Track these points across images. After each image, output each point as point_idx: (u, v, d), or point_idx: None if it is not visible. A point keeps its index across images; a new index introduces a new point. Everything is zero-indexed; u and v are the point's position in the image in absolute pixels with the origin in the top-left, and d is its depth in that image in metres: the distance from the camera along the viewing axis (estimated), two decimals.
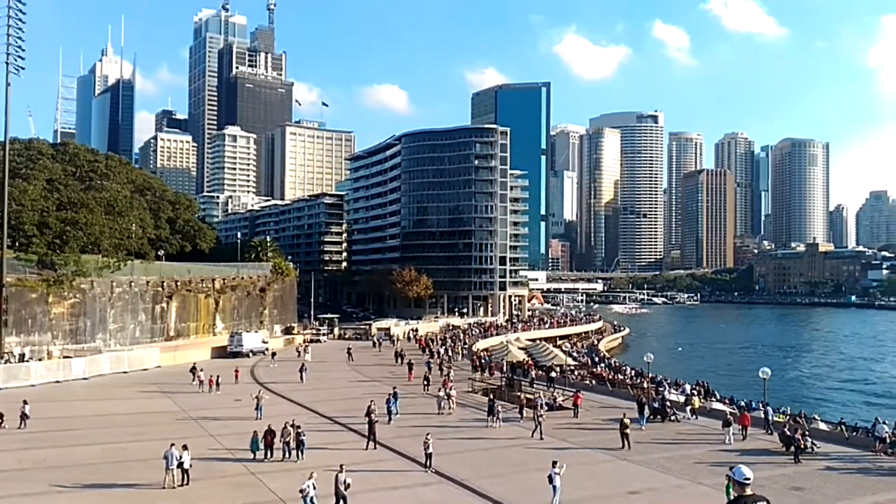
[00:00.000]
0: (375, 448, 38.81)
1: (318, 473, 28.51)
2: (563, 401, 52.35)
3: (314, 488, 27.43)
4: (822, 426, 53.09)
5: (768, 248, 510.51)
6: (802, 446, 37.80)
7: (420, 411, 50.05)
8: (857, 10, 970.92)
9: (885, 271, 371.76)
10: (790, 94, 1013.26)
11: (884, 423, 42.60)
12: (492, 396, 48.57)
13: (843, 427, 51.60)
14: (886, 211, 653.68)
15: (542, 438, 41.15)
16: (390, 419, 45.00)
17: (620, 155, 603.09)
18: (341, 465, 29.01)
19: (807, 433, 40.26)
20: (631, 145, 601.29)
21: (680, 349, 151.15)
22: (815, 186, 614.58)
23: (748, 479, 10.20)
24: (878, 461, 37.33)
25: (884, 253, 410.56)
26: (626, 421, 40.55)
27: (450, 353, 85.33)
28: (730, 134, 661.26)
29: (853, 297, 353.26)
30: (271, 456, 35.85)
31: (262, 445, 35.95)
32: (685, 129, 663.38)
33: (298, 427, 36.46)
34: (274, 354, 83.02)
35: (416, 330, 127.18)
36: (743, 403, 64.76)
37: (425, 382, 59.68)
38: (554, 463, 29.41)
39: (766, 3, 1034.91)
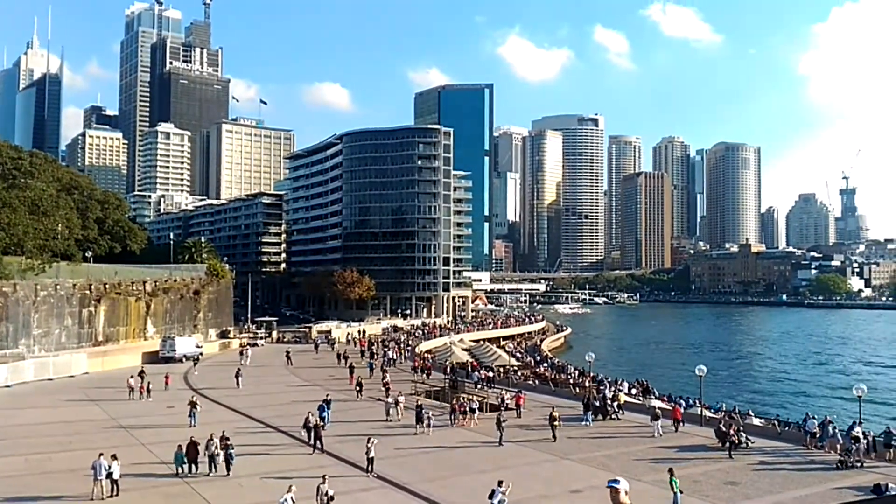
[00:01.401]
0: (322, 452, 38.29)
1: (256, 482, 28.33)
2: (508, 400, 52.41)
3: (293, 502, 26.80)
4: (756, 422, 54.56)
5: (704, 248, 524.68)
6: (737, 441, 39.23)
7: (363, 417, 49.31)
8: (788, 18, 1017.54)
9: (813, 271, 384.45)
10: (724, 100, 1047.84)
11: (813, 418, 44.83)
12: (418, 402, 47.92)
13: (776, 422, 53.28)
14: (815, 213, 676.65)
15: (500, 444, 40.78)
16: (323, 427, 43.48)
17: (562, 157, 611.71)
18: (324, 476, 28.71)
19: (741, 429, 41.66)
20: (572, 147, 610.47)
21: (622, 349, 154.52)
22: (747, 189, 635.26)
23: (612, 484, 10.31)
24: (808, 455, 38.82)
25: (812, 253, 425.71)
26: (556, 414, 43.03)
27: (390, 356, 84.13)
28: (667, 138, 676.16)
29: (784, 297, 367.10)
30: (196, 470, 34.07)
31: (186, 460, 33.99)
32: (625, 132, 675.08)
33: (227, 439, 34.70)
34: (196, 361, 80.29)
35: (364, 332, 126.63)
36: (681, 400, 66.14)
37: (358, 388, 58.55)
38: (500, 482, 28.59)
39: (703, 10, 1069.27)
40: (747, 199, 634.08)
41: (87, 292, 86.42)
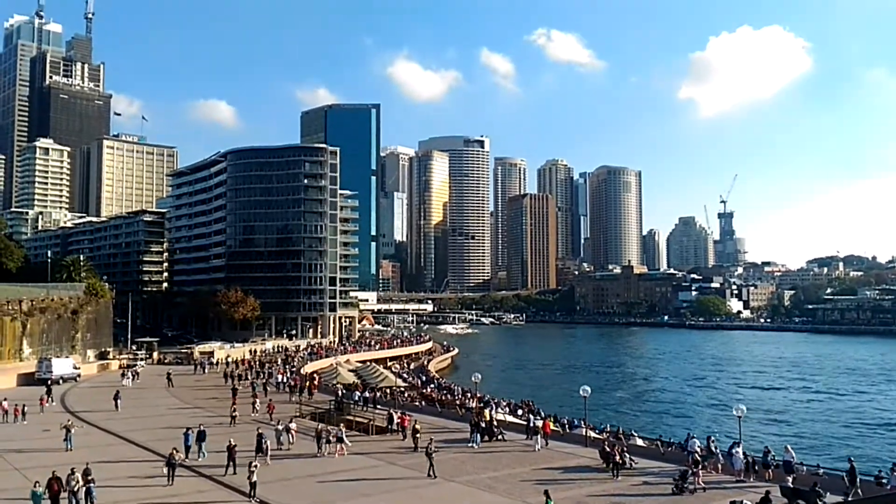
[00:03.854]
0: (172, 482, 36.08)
1: None
2: (397, 420, 52.08)
3: None
4: (640, 442, 55.29)
5: (588, 269, 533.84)
6: (621, 462, 39.02)
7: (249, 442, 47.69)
8: (668, 46, 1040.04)
9: (694, 293, 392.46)
10: (607, 124, 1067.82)
11: (694, 438, 44.68)
12: (318, 427, 46.55)
13: (659, 443, 53.51)
14: (694, 236, 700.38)
15: (434, 476, 38.30)
16: (187, 456, 41.07)
17: (449, 177, 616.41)
18: None
19: (625, 449, 41.65)
20: (459, 168, 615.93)
21: (508, 369, 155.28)
22: (629, 212, 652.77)
23: None
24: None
25: (693, 275, 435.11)
26: (419, 427, 44.75)
27: (278, 379, 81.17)
28: (551, 160, 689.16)
29: (666, 317, 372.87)
30: None
31: (46, 496, 31.30)
32: (510, 154, 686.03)
33: (88, 474, 32.48)
34: (49, 389, 67.79)
35: (256, 351, 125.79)
36: (565, 421, 66.93)
37: (234, 414, 55.28)
38: None
39: (585, 36, 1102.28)
40: (629, 222, 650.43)
41: None
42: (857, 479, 34.47)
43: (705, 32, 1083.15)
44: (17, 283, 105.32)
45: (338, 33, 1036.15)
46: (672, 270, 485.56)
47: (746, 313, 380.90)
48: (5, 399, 58.90)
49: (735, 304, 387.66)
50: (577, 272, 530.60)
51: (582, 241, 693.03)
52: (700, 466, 36.18)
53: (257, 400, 61.26)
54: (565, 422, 66.68)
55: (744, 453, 39.50)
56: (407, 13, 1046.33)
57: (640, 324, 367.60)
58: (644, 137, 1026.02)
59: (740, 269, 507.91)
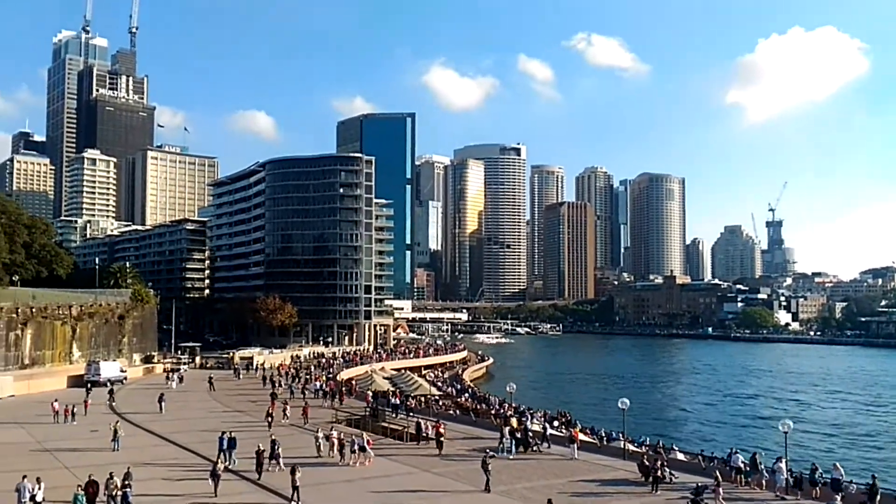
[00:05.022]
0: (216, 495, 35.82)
1: None
2: (429, 430, 51.08)
3: None
4: (681, 456, 54.01)
5: (628, 279, 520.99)
6: (660, 476, 38.09)
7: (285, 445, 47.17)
8: (716, 50, 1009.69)
9: (739, 304, 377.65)
10: (649, 130, 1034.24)
11: (737, 452, 42.97)
12: (340, 435, 45.85)
13: (700, 457, 52.22)
14: (741, 245, 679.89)
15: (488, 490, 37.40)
16: (221, 460, 40.46)
17: (484, 186, 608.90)
18: None
19: (665, 463, 40.70)
20: (494, 177, 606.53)
21: (544, 380, 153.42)
22: (672, 220, 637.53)
23: None
24: (734, 491, 37.78)
25: (738, 286, 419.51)
26: (442, 430, 44.49)
27: (316, 386, 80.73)
28: (590, 168, 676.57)
29: (710, 329, 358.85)
30: None
31: (84, 501, 31.53)
32: (548, 161, 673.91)
33: (127, 478, 32.79)
34: (111, 391, 73.47)
35: (297, 357, 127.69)
36: (603, 433, 66.30)
37: (269, 419, 56.21)
38: None
39: (628, 40, 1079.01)
40: (672, 231, 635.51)
41: (14, 315, 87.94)
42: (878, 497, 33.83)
43: (754, 35, 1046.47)
44: (67, 289, 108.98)
45: (374, 42, 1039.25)
46: (717, 281, 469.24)
47: (795, 326, 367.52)
48: (56, 400, 60.67)
49: (783, 317, 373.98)
50: (616, 282, 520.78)
51: (622, 250, 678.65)
52: (720, 484, 35.08)
53: (288, 406, 61.34)
54: (603, 434, 65.93)
55: (789, 470, 38.70)
56: (443, 21, 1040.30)
57: (683, 336, 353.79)
58: (688, 144, 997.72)
59: (789, 280, 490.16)
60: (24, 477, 31.80)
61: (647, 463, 39.73)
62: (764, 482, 38.51)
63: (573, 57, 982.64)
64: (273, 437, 42.74)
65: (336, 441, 44.36)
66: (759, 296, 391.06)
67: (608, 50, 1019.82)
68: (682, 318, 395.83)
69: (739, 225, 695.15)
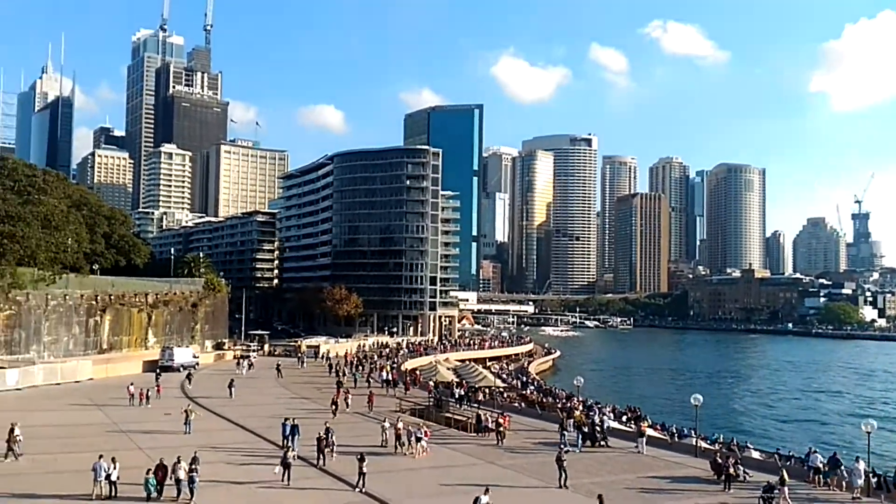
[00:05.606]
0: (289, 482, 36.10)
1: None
2: (490, 423, 50.77)
3: None
4: (755, 454, 52.58)
5: (703, 273, 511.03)
6: (734, 474, 37.28)
7: (352, 433, 48.48)
8: (799, 35, 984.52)
9: (822, 299, 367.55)
10: (728, 119, 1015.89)
11: (816, 452, 41.87)
12: (398, 425, 45.04)
13: (776, 456, 51.24)
14: (824, 238, 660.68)
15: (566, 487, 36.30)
16: (283, 445, 41.96)
17: (553, 177, 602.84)
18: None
19: (738, 461, 39.69)
20: (564, 168, 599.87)
21: (613, 374, 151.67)
22: (751, 212, 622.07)
23: None
24: (811, 492, 37.19)
25: (821, 280, 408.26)
26: (504, 423, 43.26)
27: (385, 377, 79.89)
28: (665, 158, 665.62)
29: (790, 325, 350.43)
30: (160, 496, 32.46)
31: (155, 484, 32.34)
32: (620, 152, 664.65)
33: (193, 463, 32.87)
34: (189, 374, 76.37)
35: (363, 346, 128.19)
36: (674, 429, 65.08)
37: (333, 407, 56.01)
38: (486, 490, 30.02)
39: (706, 26, 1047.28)
40: (751, 223, 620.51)
41: (94, 303, 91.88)
42: None
43: (840, 19, 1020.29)
44: (143, 278, 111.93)
45: (443, 33, 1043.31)
46: (798, 275, 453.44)
47: (881, 322, 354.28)
48: (131, 384, 62.36)
49: (869, 312, 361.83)
50: (691, 275, 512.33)
51: (697, 242, 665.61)
52: (785, 483, 34.10)
53: (350, 395, 61.26)
54: (674, 430, 64.51)
55: (872, 470, 37.46)
56: (514, 10, 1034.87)
57: (761, 331, 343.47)
58: (769, 133, 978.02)
59: (875, 275, 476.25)
60: (101, 457, 32.98)
61: (719, 461, 38.89)
62: (844, 483, 37.26)
63: (648, 45, 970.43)
64: (328, 425, 42.98)
65: (395, 431, 44.35)
66: (844, 291, 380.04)
67: (685, 37, 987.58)
68: (761, 314, 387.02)
69: (823, 217, 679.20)
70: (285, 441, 42.31)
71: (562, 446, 41.08)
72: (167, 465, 32.85)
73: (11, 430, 39.65)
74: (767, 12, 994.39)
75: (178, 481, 32.37)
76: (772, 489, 33.30)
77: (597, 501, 29.85)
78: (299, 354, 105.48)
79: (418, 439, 43.00)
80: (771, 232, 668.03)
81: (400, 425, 44.92)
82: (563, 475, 36.19)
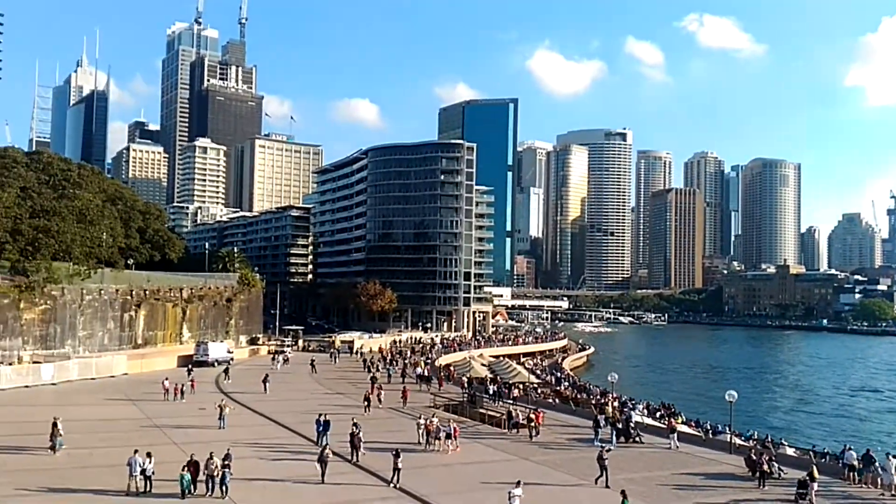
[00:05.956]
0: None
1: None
2: (521, 419, 50.79)
3: None
4: (790, 452, 52.67)
5: (738, 269, 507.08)
6: (768, 471, 37.27)
7: (386, 428, 49.26)
8: (836, 28, 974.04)
9: (857, 295, 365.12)
10: (763, 113, 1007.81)
11: (850, 449, 41.04)
12: (426, 421, 44.91)
13: (811, 453, 50.95)
14: (859, 234, 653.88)
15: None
16: (318, 442, 42.46)
17: (588, 172, 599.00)
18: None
19: (773, 458, 39.69)
20: (598, 163, 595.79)
21: (647, 370, 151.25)
22: (786, 207, 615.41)
23: None
24: (847, 489, 36.96)
25: (857, 276, 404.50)
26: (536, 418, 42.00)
27: (420, 373, 79.28)
28: (699, 153, 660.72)
29: (825, 321, 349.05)
30: (194, 490, 32.42)
31: (190, 481, 32.36)
32: (654, 147, 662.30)
33: (226, 459, 33.06)
34: (227, 370, 77.34)
35: (397, 342, 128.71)
36: (709, 426, 65.10)
37: (366, 403, 56.08)
38: (518, 483, 30.47)
39: (742, 19, 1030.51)
40: (786, 218, 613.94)
41: (129, 297, 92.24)
42: None
43: (877, 12, 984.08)
44: (178, 273, 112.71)
45: (478, 28, 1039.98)
46: (833, 271, 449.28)
47: None
48: (166, 379, 62.75)
49: None
50: (725, 271, 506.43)
51: (732, 238, 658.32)
52: (814, 479, 33.81)
53: (381, 392, 60.76)
54: (708, 427, 64.51)
55: None
56: (550, 4, 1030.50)
57: (796, 327, 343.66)
58: (804, 127, 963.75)
59: None
60: (136, 452, 33.02)
61: (754, 457, 38.56)
62: (879, 481, 36.92)
63: (684, 38, 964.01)
64: (355, 421, 42.74)
65: (424, 427, 44.16)
66: (879, 287, 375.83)
67: (721, 30, 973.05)
68: (796, 310, 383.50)
69: (858, 213, 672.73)
70: (319, 438, 42.63)
71: (602, 445, 40.72)
72: (199, 461, 32.82)
73: (55, 425, 39.99)
74: (804, 5, 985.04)
75: (210, 478, 32.32)
76: (805, 485, 33.45)
77: (621, 497, 30.28)
78: (331, 350, 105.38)
79: (448, 435, 43.08)
80: (806, 227, 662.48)
81: (433, 421, 44.80)
82: (605, 475, 35.83)
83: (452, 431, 43.50)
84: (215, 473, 32.29)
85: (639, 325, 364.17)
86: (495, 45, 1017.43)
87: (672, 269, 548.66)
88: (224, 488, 32.20)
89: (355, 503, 33.57)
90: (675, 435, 46.43)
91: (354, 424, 41.70)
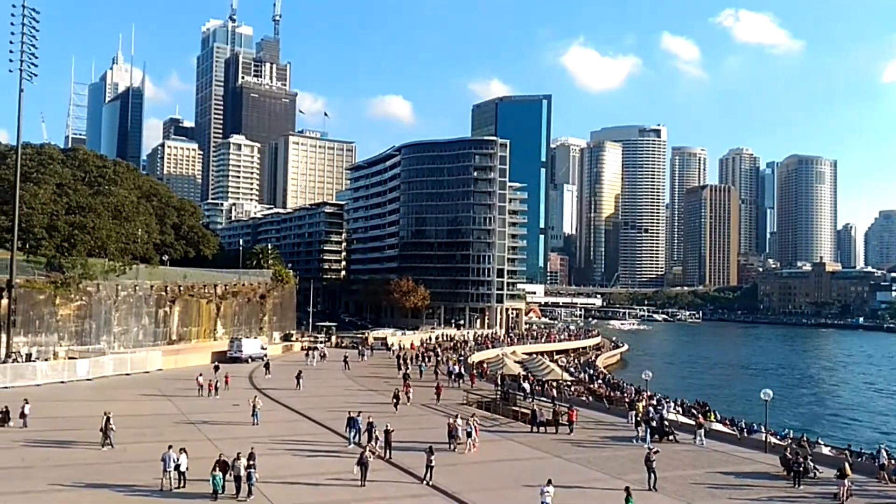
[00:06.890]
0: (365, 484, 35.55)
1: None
2: (544, 417, 50.78)
3: None
4: (826, 451, 52.01)
5: (773, 266, 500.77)
6: (804, 470, 37.08)
7: (419, 425, 49.37)
8: (872, 24, 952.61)
9: (894, 293, 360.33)
10: (799, 109, 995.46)
11: (885, 449, 41.56)
12: (452, 421, 44.23)
13: (847, 453, 50.17)
14: None
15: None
16: (354, 440, 42.62)
17: (622, 169, 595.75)
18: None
19: (809, 457, 39.42)
20: (632, 159, 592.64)
21: (682, 368, 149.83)
22: (822, 204, 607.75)
23: None
24: (883, 489, 36.53)
25: (893, 274, 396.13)
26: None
27: (455, 371, 78.34)
28: (735, 149, 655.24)
29: (861, 319, 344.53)
30: (223, 491, 32.17)
31: (222, 481, 32.12)
32: (689, 143, 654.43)
33: (250, 458, 32.71)
34: (267, 365, 77.01)
35: (431, 339, 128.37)
36: (743, 425, 64.48)
37: (395, 400, 55.41)
38: (549, 481, 30.40)
39: (779, 15, 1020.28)
40: (822, 216, 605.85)
41: (163, 293, 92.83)
42: None
43: None
44: (212, 269, 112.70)
45: (512, 22, 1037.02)
46: (869, 268, 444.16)
47: None
48: (200, 375, 63.19)
49: None
50: (761, 269, 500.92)
51: (767, 235, 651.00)
52: (845, 476, 33.54)
53: (410, 389, 60.31)
54: (743, 425, 63.97)
55: None
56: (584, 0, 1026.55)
57: (832, 325, 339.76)
58: (841, 124, 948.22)
59: None
60: (170, 447, 33.27)
61: (789, 456, 38.20)
62: None
63: (720, 34, 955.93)
64: (370, 420, 42.67)
65: (447, 426, 43.69)
66: None
67: (757, 25, 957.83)
68: (831, 308, 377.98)
69: (895, 209, 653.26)
70: (359, 437, 42.60)
71: (651, 447, 40.03)
72: (227, 461, 32.65)
73: (107, 420, 40.64)
74: (841, 0, 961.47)
75: (237, 478, 32.15)
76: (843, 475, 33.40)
77: (625, 493, 30.31)
78: (360, 347, 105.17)
79: (468, 434, 42.95)
80: (842, 224, 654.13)
81: (458, 421, 44.43)
82: (653, 477, 35.25)
83: (473, 430, 43.25)
84: (241, 473, 32.18)
85: (673, 322, 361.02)
86: (529, 41, 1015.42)
87: (707, 266, 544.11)
88: (249, 488, 32.00)
89: (388, 500, 33.37)
90: (702, 431, 46.27)
91: (370, 423, 42.02)
